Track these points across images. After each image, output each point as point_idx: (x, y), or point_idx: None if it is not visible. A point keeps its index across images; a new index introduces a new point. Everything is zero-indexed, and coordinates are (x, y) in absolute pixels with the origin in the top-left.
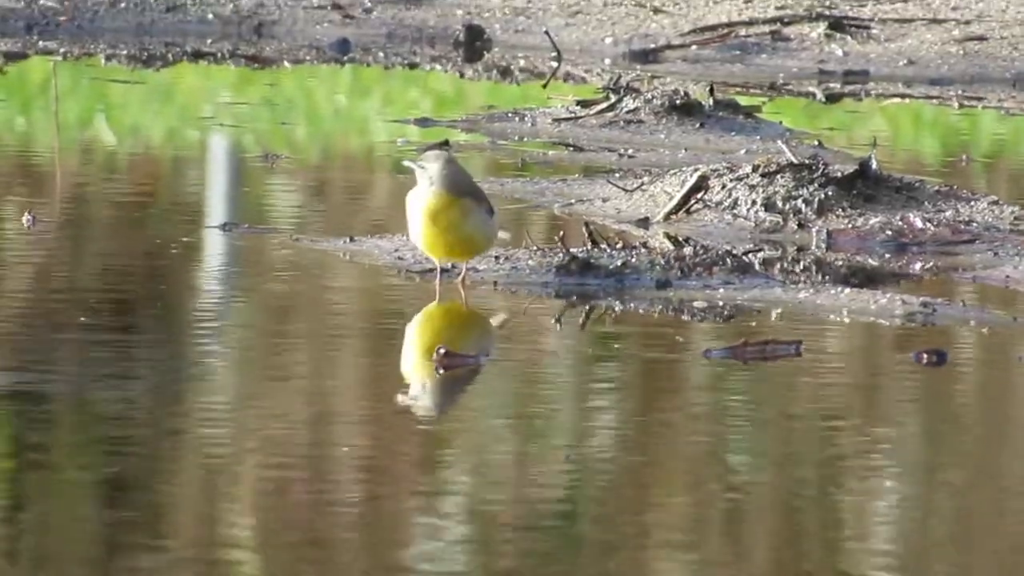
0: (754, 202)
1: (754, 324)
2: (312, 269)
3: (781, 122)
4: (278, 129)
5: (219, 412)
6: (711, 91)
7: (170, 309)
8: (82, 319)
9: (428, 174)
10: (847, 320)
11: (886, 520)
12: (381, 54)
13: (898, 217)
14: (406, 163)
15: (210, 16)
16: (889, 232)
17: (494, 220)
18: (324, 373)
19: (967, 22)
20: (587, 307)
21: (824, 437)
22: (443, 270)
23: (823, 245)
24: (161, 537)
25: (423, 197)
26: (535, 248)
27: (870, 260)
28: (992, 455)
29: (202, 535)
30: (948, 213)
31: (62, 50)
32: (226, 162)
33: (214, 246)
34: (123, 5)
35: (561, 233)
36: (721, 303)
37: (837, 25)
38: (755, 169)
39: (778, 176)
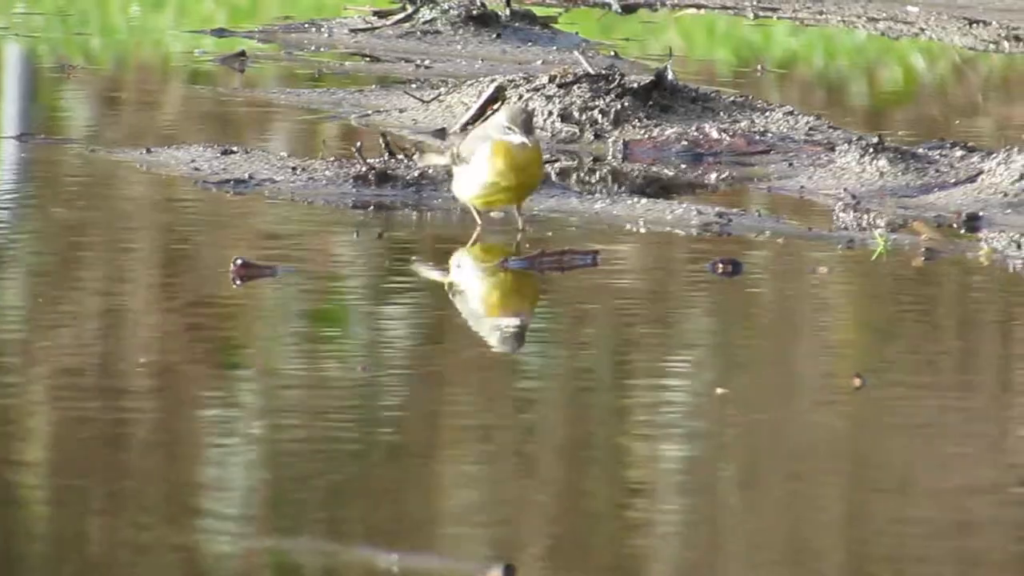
0: (551, 113)
1: (551, 234)
2: (108, 179)
3: (577, 33)
4: (73, 39)
5: (9, 324)
6: (508, 2)
7: None
8: None
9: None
10: (643, 230)
11: (675, 429)
12: None
13: (694, 128)
14: (509, 132)
15: None
16: (685, 142)
17: None
18: (119, 282)
19: None
20: (385, 218)
21: (617, 346)
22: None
23: (619, 155)
24: None
25: (513, 146)
26: (332, 159)
27: (666, 170)
28: (783, 363)
29: None
30: (743, 124)
31: None
32: (20, 72)
33: (9, 156)
34: None
35: (358, 144)
36: (518, 213)
37: None
38: (552, 80)
39: (574, 87)
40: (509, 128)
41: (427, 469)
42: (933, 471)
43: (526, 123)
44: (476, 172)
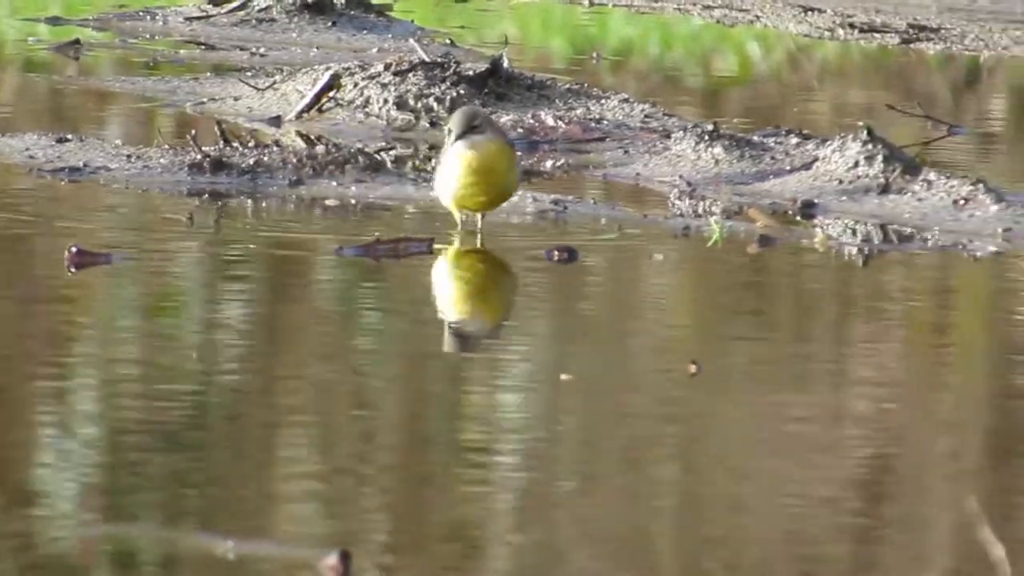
0: (386, 100)
1: (388, 222)
2: None
3: (413, 20)
4: None
5: None
6: None
7: None
8: None
9: (476, 136)
10: (477, 214)
11: (513, 414)
12: None
13: (529, 115)
14: (456, 142)
15: None
16: (520, 130)
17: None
18: None
19: None
20: (220, 206)
21: (448, 332)
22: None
23: None
24: None
25: (471, 147)
26: (167, 147)
27: None
28: (620, 350)
29: None
30: (579, 111)
31: None
32: None
33: None
34: None
35: (193, 132)
36: (354, 201)
37: None
38: (387, 68)
39: (410, 75)
40: (449, 131)
41: (263, 454)
42: (768, 456)
43: (464, 123)
44: (446, 177)
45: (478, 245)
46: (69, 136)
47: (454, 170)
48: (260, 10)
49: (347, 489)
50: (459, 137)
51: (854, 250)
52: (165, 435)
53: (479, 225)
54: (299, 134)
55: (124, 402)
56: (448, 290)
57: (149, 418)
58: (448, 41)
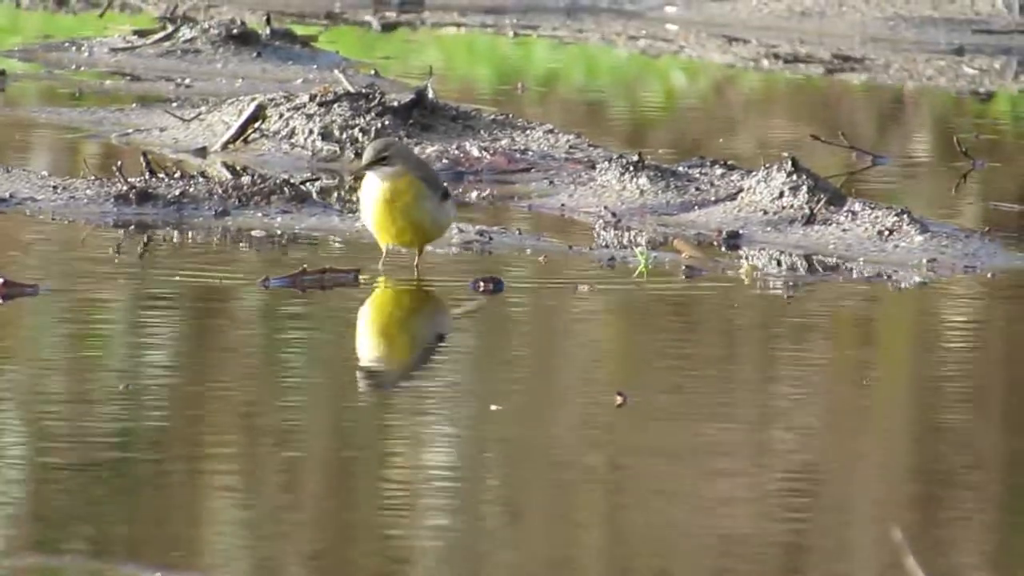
0: (311, 131)
1: (314, 252)
2: None
3: (337, 51)
4: None
5: None
6: (268, 21)
7: None
8: None
9: (384, 167)
10: (404, 249)
11: (438, 443)
12: None
13: (454, 146)
14: (367, 172)
15: None
16: (446, 160)
17: (448, 205)
18: None
19: None
20: (146, 237)
21: (384, 364)
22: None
23: None
24: None
25: (377, 180)
26: (93, 178)
27: None
28: (547, 381)
29: None
30: (504, 142)
31: None
32: None
33: None
34: None
35: (119, 163)
36: (279, 232)
37: None
38: (312, 98)
39: (335, 105)
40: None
41: (190, 486)
42: (693, 486)
43: (371, 155)
44: (363, 210)
45: (409, 276)
46: None
47: (366, 203)
48: (185, 41)
49: (273, 520)
50: (365, 168)
51: (779, 281)
52: (92, 466)
53: (415, 261)
54: (225, 165)
55: (51, 432)
56: (374, 321)
57: (76, 449)
58: (373, 72)
